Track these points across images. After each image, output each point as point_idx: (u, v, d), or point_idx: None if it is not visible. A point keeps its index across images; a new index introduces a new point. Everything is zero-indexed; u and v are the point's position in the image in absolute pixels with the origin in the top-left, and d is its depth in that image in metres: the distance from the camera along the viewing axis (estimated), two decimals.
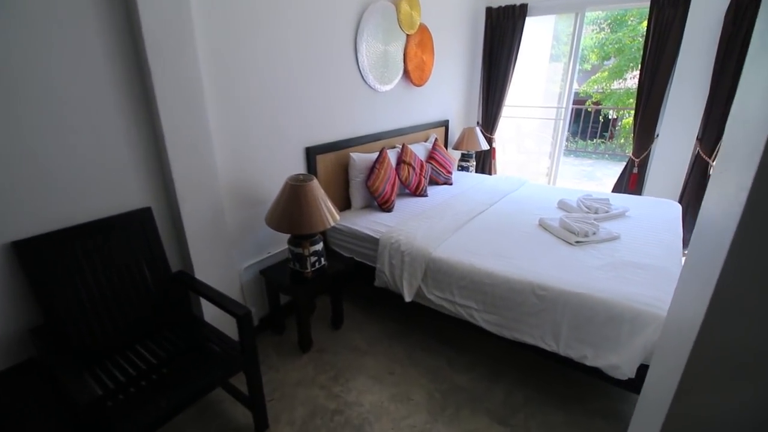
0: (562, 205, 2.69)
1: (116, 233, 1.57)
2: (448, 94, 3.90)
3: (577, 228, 2.16)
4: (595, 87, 8.96)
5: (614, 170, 6.52)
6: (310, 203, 1.94)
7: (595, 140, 7.75)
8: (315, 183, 1.99)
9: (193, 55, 1.66)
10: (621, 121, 8.77)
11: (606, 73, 8.52)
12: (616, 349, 1.56)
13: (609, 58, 8.72)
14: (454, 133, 4.15)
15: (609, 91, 8.68)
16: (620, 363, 1.54)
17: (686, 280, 0.87)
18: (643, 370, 1.52)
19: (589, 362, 1.63)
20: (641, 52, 3.35)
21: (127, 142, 1.58)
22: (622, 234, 2.23)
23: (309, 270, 2.09)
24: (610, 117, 8.73)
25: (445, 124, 3.93)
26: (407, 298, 2.12)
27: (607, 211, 2.52)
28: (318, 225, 1.95)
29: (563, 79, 4.00)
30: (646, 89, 3.36)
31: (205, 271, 1.90)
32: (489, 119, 4.16)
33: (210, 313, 1.93)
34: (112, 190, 1.57)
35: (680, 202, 3.36)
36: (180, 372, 1.47)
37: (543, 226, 2.36)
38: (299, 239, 2.04)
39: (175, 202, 1.74)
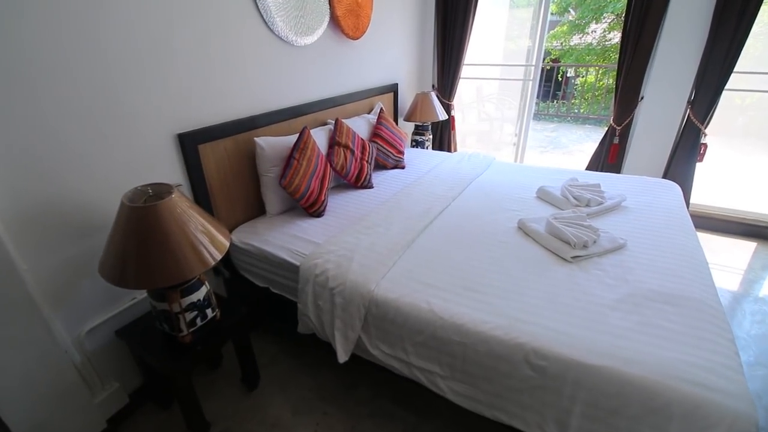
0: (544, 195, 2.09)
1: None
2: (395, 50, 3.09)
3: (572, 237, 1.56)
4: (554, 42, 8.41)
5: (578, 134, 6.10)
6: (169, 235, 1.17)
7: (556, 102, 7.27)
8: (175, 199, 1.21)
9: None
10: (577, 79, 8.36)
11: (566, 26, 7.95)
12: None
13: (567, 11, 8.13)
14: (405, 101, 3.39)
15: (568, 46, 8.16)
16: None
17: None
18: None
19: None
20: (621, 3, 2.71)
21: None
22: (627, 237, 1.66)
23: (186, 332, 1.35)
24: (567, 75, 8.28)
25: (393, 90, 3.16)
26: (341, 358, 1.46)
27: (600, 203, 1.94)
28: (189, 268, 1.20)
29: (532, 28, 3.31)
30: (631, 43, 2.75)
31: None
32: (446, 82, 3.43)
33: (30, 418, 1.17)
34: None
35: (665, 176, 2.92)
36: None
37: (525, 231, 1.74)
38: (162, 290, 1.28)
39: None
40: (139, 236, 1.16)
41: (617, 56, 2.89)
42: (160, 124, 1.52)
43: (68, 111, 1.24)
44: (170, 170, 1.59)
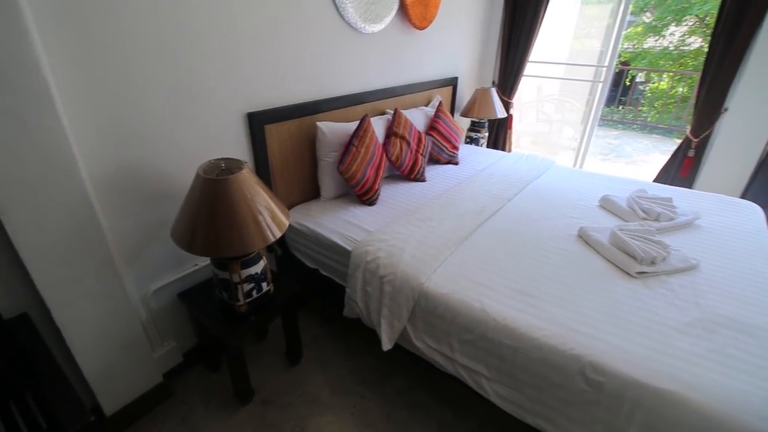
0: (607, 205, 1.97)
1: None
2: (458, 42, 3.03)
3: (638, 251, 1.47)
4: (625, 44, 7.88)
5: (645, 144, 5.70)
6: (236, 208, 1.23)
7: (622, 108, 6.83)
8: (245, 174, 1.26)
9: None
10: (647, 85, 7.80)
11: (640, 27, 7.42)
12: None
13: (644, 11, 7.57)
14: (464, 96, 3.33)
15: (641, 49, 7.62)
16: None
17: None
18: None
19: None
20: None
21: None
22: (701, 258, 1.54)
23: (242, 302, 1.41)
24: (636, 80, 7.75)
25: (452, 83, 3.10)
26: (385, 346, 1.47)
27: (672, 218, 1.81)
28: (251, 242, 1.26)
29: (608, 27, 3.12)
30: (720, 50, 2.51)
31: (72, 309, 1.23)
32: (508, 78, 3.32)
33: (99, 362, 1.30)
34: None
35: (744, 197, 2.67)
36: None
37: (586, 240, 1.66)
38: (225, 260, 1.35)
39: None
40: (210, 206, 1.22)
41: (695, 63, 2.67)
42: (233, 102, 1.59)
43: (155, 86, 1.33)
44: (238, 147, 1.66)
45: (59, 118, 1.07)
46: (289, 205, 1.96)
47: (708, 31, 6.69)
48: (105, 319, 1.33)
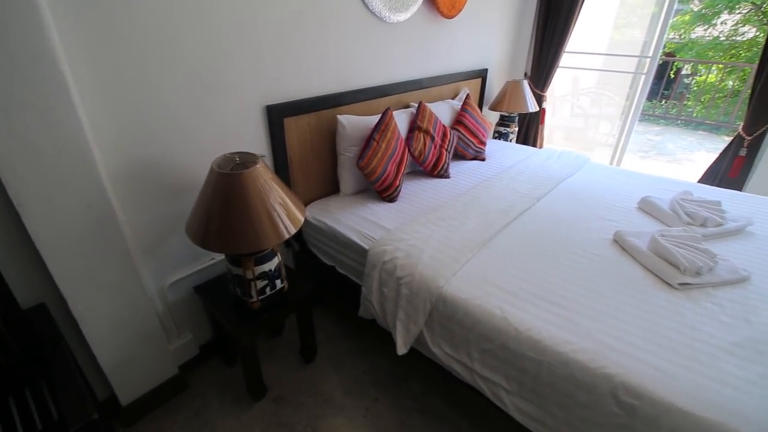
0: (647, 207, 1.83)
1: None
2: (489, 32, 2.89)
3: (682, 259, 1.33)
4: (670, 34, 7.40)
5: (689, 141, 5.33)
6: (250, 203, 1.20)
7: (665, 102, 6.42)
8: (259, 169, 1.23)
9: None
10: (694, 78, 7.30)
11: (688, 16, 6.93)
12: None
13: None
14: (493, 89, 3.19)
15: (687, 39, 7.12)
16: None
17: None
18: None
19: None
20: None
21: None
22: (752, 269, 1.39)
23: (255, 299, 1.39)
24: (682, 72, 7.26)
25: (482, 75, 2.97)
26: (400, 350, 1.41)
27: (720, 224, 1.65)
28: (265, 238, 1.22)
29: (653, 16, 2.90)
30: None
31: (89, 301, 1.24)
32: (541, 70, 3.15)
33: (116, 354, 1.31)
34: None
35: None
36: None
37: (622, 245, 1.53)
38: (238, 256, 1.32)
39: (5, 198, 1.03)
40: (224, 201, 1.19)
41: (748, 54, 2.44)
42: (251, 95, 1.55)
43: (172, 79, 1.30)
44: (256, 141, 1.63)
45: (76, 112, 1.06)
46: (308, 200, 1.93)
47: (765, 20, 6.17)
48: (122, 311, 1.34)
